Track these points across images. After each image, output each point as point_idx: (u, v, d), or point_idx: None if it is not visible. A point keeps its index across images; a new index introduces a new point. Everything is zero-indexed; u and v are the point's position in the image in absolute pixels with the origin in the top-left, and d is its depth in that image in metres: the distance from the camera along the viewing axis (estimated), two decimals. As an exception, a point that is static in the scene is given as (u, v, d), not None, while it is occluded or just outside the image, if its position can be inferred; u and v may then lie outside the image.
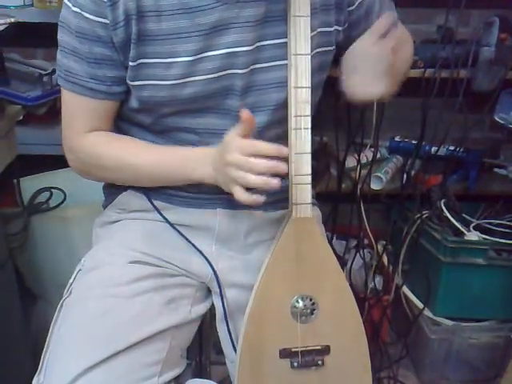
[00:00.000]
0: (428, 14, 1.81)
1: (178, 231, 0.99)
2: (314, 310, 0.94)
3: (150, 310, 0.91)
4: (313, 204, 0.98)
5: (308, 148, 0.90)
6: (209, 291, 1.04)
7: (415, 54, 1.59)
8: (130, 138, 0.99)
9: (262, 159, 0.81)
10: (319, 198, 1.21)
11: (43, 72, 1.59)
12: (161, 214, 1.00)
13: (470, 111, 1.64)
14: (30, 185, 1.49)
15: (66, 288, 0.98)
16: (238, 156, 0.82)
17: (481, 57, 1.54)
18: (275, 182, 0.81)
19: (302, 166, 0.90)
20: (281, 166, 0.82)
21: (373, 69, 0.87)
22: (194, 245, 0.99)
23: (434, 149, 1.66)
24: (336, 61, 0.99)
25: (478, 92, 1.54)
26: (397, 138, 1.84)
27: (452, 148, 1.68)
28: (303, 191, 0.91)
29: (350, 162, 1.77)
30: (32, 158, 1.54)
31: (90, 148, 0.96)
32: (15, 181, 1.46)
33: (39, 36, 1.58)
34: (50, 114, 1.65)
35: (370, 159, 1.75)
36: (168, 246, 0.99)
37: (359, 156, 1.72)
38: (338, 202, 1.76)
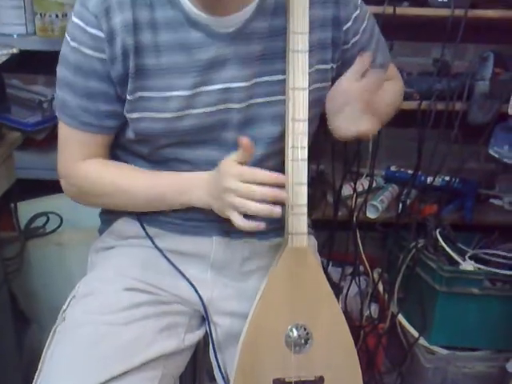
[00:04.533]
0: (424, 47, 1.84)
1: (167, 259, 1.00)
2: (308, 339, 0.94)
3: (143, 337, 0.91)
4: (308, 233, 0.98)
5: (304, 179, 0.92)
6: (203, 319, 1.04)
7: (411, 86, 1.63)
8: (124, 164, 1.00)
9: (262, 187, 0.82)
10: (315, 225, 1.22)
11: (43, 99, 1.62)
12: (152, 241, 1.01)
13: (466, 142, 1.66)
14: (27, 209, 1.50)
15: (60, 314, 0.98)
16: (236, 182, 0.83)
17: (476, 90, 1.56)
18: (278, 211, 0.82)
19: (299, 196, 0.91)
20: (282, 194, 0.83)
21: (352, 107, 0.91)
22: (181, 272, 0.99)
23: (429, 179, 1.67)
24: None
25: (473, 125, 1.57)
26: (393, 168, 1.86)
27: (447, 178, 1.70)
28: (299, 221, 0.92)
29: (346, 190, 1.78)
30: (30, 182, 1.55)
31: (84, 175, 0.97)
32: (12, 205, 1.46)
33: (40, 63, 1.60)
34: (49, 139, 1.67)
35: (366, 188, 1.76)
36: (162, 273, 1.00)
37: (355, 184, 1.73)
38: (334, 230, 1.77)
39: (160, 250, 1.00)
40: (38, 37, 1.60)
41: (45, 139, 1.69)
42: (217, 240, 1.01)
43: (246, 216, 0.85)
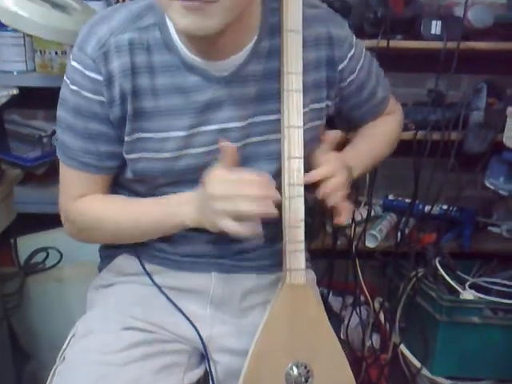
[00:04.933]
0: (419, 78, 1.87)
1: (167, 296, 1.00)
2: (309, 378, 0.93)
3: (142, 379, 0.91)
4: (307, 267, 0.99)
5: (301, 216, 0.92)
6: (202, 356, 1.04)
7: (407, 116, 1.64)
8: (115, 196, 1.00)
9: (250, 186, 0.80)
10: (315, 254, 1.22)
11: (43, 134, 1.64)
12: (151, 278, 1.01)
13: (463, 171, 1.67)
14: (27, 244, 1.50)
15: (60, 354, 0.98)
16: (222, 186, 0.82)
17: (471, 120, 1.59)
18: (271, 207, 0.80)
19: (296, 233, 0.92)
20: (271, 193, 0.81)
21: None
22: (181, 310, 0.99)
23: (427, 207, 1.68)
24: (329, 122, 1.03)
25: (469, 154, 1.58)
26: (390, 197, 1.87)
27: (445, 207, 1.71)
28: (297, 258, 0.93)
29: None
30: (30, 216, 1.56)
31: (82, 212, 0.97)
32: (12, 240, 1.47)
33: (40, 98, 1.63)
34: (49, 173, 1.68)
35: (364, 217, 1.77)
36: (161, 310, 1.00)
37: (354, 214, 1.74)
38: (334, 259, 1.77)
39: (159, 287, 1.00)
40: (37, 73, 1.63)
41: (44, 173, 1.70)
42: (216, 276, 1.02)
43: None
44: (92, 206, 0.97)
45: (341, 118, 1.06)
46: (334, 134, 0.95)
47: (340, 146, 1.02)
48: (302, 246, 0.93)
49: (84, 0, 1.55)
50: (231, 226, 0.81)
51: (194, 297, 1.01)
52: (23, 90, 1.41)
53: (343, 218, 0.94)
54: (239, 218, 0.81)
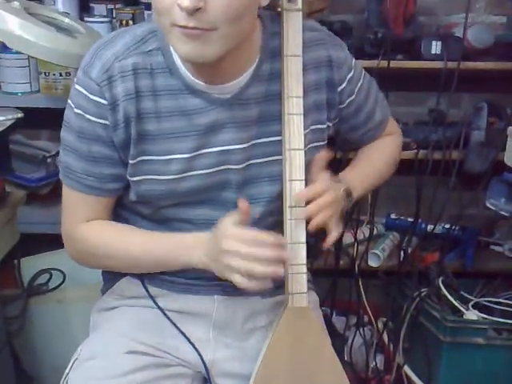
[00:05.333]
0: (420, 97, 1.87)
1: (170, 320, 1.00)
2: (311, 402, 0.93)
3: (145, 403, 0.91)
4: (309, 288, 0.99)
5: (303, 238, 0.93)
6: (205, 380, 1.03)
7: (408, 135, 1.65)
8: (123, 225, 1.00)
9: (263, 248, 0.83)
10: (317, 274, 1.22)
11: (47, 154, 1.65)
12: (154, 302, 1.01)
13: (464, 189, 1.68)
14: (30, 265, 1.50)
15: (63, 377, 0.98)
16: (235, 244, 0.84)
17: (472, 139, 1.59)
18: (281, 271, 0.83)
19: (298, 256, 0.93)
20: (284, 255, 0.85)
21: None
22: (184, 334, 0.99)
23: (430, 227, 1.68)
24: (330, 142, 1.04)
25: (471, 173, 1.59)
26: (393, 215, 1.87)
27: (448, 226, 1.71)
28: (299, 281, 0.93)
29: (347, 238, 1.78)
30: (34, 236, 1.56)
31: (85, 237, 0.98)
32: (16, 261, 1.47)
33: (44, 118, 1.64)
34: (53, 193, 1.69)
35: (366, 235, 1.77)
36: (164, 334, 1.00)
37: (356, 233, 1.74)
38: (337, 278, 1.77)
39: (162, 311, 1.00)
40: (42, 94, 1.64)
41: (48, 193, 1.71)
42: (218, 299, 1.02)
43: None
44: (98, 234, 0.97)
45: (339, 140, 1.06)
46: (323, 154, 0.95)
47: (337, 166, 1.02)
48: (304, 268, 0.93)
49: (88, 23, 1.57)
50: (241, 282, 0.84)
51: (197, 320, 1.01)
52: (28, 110, 1.43)
53: (328, 241, 0.94)
54: (250, 276, 0.84)
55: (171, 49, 0.89)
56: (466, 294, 1.66)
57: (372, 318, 1.76)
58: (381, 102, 1.10)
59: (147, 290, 1.02)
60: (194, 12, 0.77)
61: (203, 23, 0.78)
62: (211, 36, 0.79)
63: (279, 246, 0.85)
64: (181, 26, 0.79)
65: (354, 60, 1.02)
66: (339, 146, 1.18)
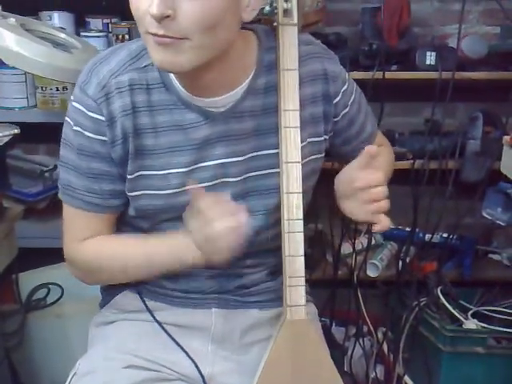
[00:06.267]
0: (415, 107, 1.89)
1: (168, 334, 0.99)
2: (311, 415, 0.93)
3: (144, 418, 0.90)
4: (307, 300, 0.99)
5: (301, 250, 0.93)
6: (205, 394, 1.03)
7: (404, 145, 1.67)
8: (118, 236, 1.00)
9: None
10: (316, 284, 1.22)
11: (45, 168, 1.65)
12: (152, 316, 1.01)
13: (461, 198, 1.68)
14: (28, 280, 1.50)
15: (61, 393, 0.97)
16: (194, 220, 0.86)
17: (467, 149, 1.60)
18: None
19: (296, 268, 0.93)
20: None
21: (360, 197, 0.91)
22: (182, 348, 0.98)
23: (427, 236, 1.68)
24: (327, 153, 1.04)
25: (467, 183, 1.59)
26: (390, 225, 1.87)
27: (445, 235, 1.71)
28: (297, 293, 0.93)
29: (346, 248, 1.79)
30: (32, 250, 1.56)
31: (88, 254, 0.98)
32: (14, 276, 1.47)
33: (42, 133, 1.64)
34: (51, 207, 1.69)
35: (365, 245, 1.77)
36: (162, 348, 0.99)
37: (354, 243, 1.74)
38: (335, 288, 1.77)
39: (160, 324, 1.00)
40: (39, 109, 1.64)
41: (46, 208, 1.71)
42: (216, 312, 1.02)
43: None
44: (98, 249, 0.98)
45: (333, 153, 1.06)
46: (375, 149, 0.91)
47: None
48: (302, 280, 0.93)
49: (85, 38, 1.58)
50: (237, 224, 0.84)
51: (195, 333, 1.01)
52: (25, 125, 1.43)
53: (384, 224, 0.92)
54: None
55: None
56: (464, 303, 1.66)
57: (371, 328, 1.76)
58: (370, 114, 1.11)
59: (145, 304, 1.02)
60: (162, 20, 0.78)
61: (173, 32, 0.79)
62: (182, 45, 0.80)
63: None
64: (153, 34, 0.80)
65: (346, 73, 1.03)
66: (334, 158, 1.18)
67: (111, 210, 0.97)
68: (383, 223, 0.92)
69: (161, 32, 0.79)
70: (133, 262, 0.97)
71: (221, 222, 0.83)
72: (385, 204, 0.90)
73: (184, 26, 0.79)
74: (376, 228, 0.92)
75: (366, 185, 0.89)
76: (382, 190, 0.90)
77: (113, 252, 0.98)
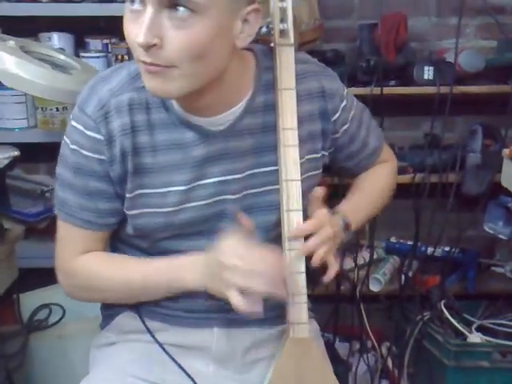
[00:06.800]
0: (414, 121, 1.89)
1: (169, 355, 0.98)
2: (315, 434, 0.92)
3: None
4: (310, 317, 0.98)
5: (303, 268, 0.93)
6: (207, 415, 1.02)
7: (404, 160, 1.67)
8: (119, 255, 1.01)
9: (264, 264, 0.83)
10: (319, 299, 1.21)
11: (45, 188, 1.65)
12: (153, 337, 1.00)
13: (463, 211, 1.68)
14: (29, 300, 1.49)
15: (63, 416, 0.97)
16: (237, 259, 0.84)
17: (468, 162, 1.60)
18: (281, 289, 0.83)
19: (298, 286, 0.92)
20: (282, 272, 0.85)
21: None
22: (183, 369, 0.97)
23: (430, 249, 1.68)
24: (326, 168, 1.05)
25: (468, 196, 1.59)
26: (392, 239, 1.87)
27: (447, 249, 1.71)
28: (300, 311, 0.93)
29: (348, 263, 1.78)
30: (33, 270, 1.55)
31: (83, 270, 0.98)
32: (15, 296, 1.46)
33: (42, 153, 1.65)
34: (52, 227, 1.68)
35: (367, 260, 1.77)
36: (163, 369, 0.98)
37: (356, 257, 1.74)
38: (338, 304, 1.76)
39: (161, 346, 0.99)
40: (39, 130, 1.65)
41: (47, 227, 1.71)
42: (218, 331, 1.01)
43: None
44: (94, 266, 0.97)
45: (335, 169, 1.07)
46: (319, 191, 0.95)
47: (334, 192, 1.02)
48: (305, 298, 0.93)
49: (84, 58, 1.59)
50: (235, 300, 0.83)
51: (197, 353, 1.00)
52: (25, 145, 1.43)
53: (329, 275, 0.94)
54: (246, 292, 0.83)
55: None
56: (468, 317, 1.65)
57: (375, 343, 1.75)
58: (374, 130, 1.11)
59: (145, 325, 1.01)
60: (149, 48, 0.78)
61: (160, 60, 0.80)
62: (171, 73, 0.81)
63: (279, 263, 0.85)
64: (142, 62, 0.81)
65: (345, 90, 1.03)
66: (335, 174, 1.19)
67: (107, 228, 0.97)
68: (329, 270, 0.94)
69: (149, 60, 0.80)
70: (131, 283, 0.97)
71: (259, 283, 0.82)
72: (319, 253, 0.92)
73: (171, 54, 0.79)
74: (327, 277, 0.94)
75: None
76: (313, 240, 0.92)
77: (110, 271, 0.97)
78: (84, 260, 0.97)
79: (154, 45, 0.78)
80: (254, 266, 0.83)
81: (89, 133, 0.90)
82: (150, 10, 0.77)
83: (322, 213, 0.94)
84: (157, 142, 0.91)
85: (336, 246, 0.95)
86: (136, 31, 0.79)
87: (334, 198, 1.04)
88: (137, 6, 0.79)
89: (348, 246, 1.72)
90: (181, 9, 0.77)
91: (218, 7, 0.79)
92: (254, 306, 0.83)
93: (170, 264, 0.95)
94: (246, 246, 0.85)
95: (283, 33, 0.94)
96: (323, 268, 0.94)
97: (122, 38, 1.64)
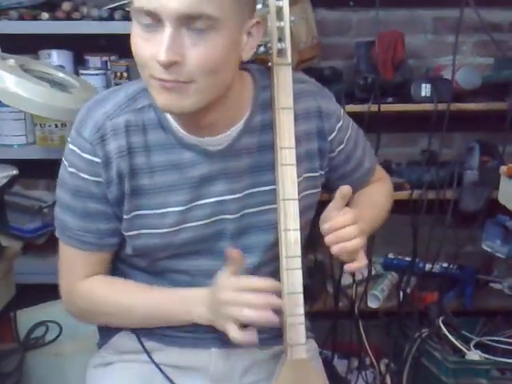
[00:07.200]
0: (411, 137, 1.90)
1: (166, 376, 0.98)
2: None
3: None
4: (308, 337, 0.98)
5: (300, 288, 0.93)
6: None
7: (401, 176, 1.67)
8: (125, 281, 1.01)
9: (257, 294, 0.84)
10: (317, 316, 1.21)
11: (43, 204, 1.65)
12: (150, 357, 1.00)
13: (461, 227, 1.68)
14: (26, 317, 1.49)
15: None
16: (231, 293, 0.85)
17: (465, 179, 1.61)
18: (275, 319, 0.84)
19: (295, 306, 0.92)
20: (277, 301, 0.85)
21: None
22: None
23: (428, 266, 1.68)
24: (324, 187, 1.05)
25: (466, 213, 1.60)
26: (390, 255, 1.87)
27: (445, 265, 1.71)
28: (297, 332, 0.92)
29: (346, 279, 1.78)
30: (30, 287, 1.55)
31: (86, 294, 0.98)
32: (12, 314, 1.46)
33: (41, 168, 1.65)
34: (50, 243, 1.68)
35: (365, 276, 1.77)
36: None
37: (354, 274, 1.73)
38: (337, 320, 1.76)
39: (157, 366, 0.99)
40: (38, 146, 1.65)
41: (45, 243, 1.70)
42: (215, 352, 1.00)
43: (244, 327, 0.86)
44: (100, 291, 0.98)
45: (330, 188, 1.07)
46: (347, 189, 0.92)
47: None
48: (302, 319, 0.92)
49: (83, 75, 1.60)
50: (233, 332, 0.86)
51: (194, 374, 1.00)
52: (24, 161, 1.44)
53: (357, 264, 0.91)
54: (242, 323, 0.85)
55: None
56: (467, 333, 1.65)
57: (374, 360, 1.74)
58: (368, 150, 1.12)
59: (143, 345, 1.01)
60: (169, 66, 0.79)
61: (180, 76, 0.80)
62: (188, 88, 0.81)
63: (275, 292, 0.86)
64: (158, 79, 0.81)
65: (342, 110, 1.04)
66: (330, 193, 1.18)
67: (108, 249, 0.97)
68: (357, 262, 0.91)
69: (168, 77, 0.80)
70: (135, 311, 0.97)
71: (250, 312, 0.84)
72: (354, 243, 0.89)
73: (191, 70, 0.80)
74: (351, 266, 0.92)
75: (330, 227, 0.89)
76: (350, 231, 0.89)
77: (115, 298, 0.98)
78: (89, 285, 0.97)
79: (175, 62, 0.79)
80: (244, 297, 0.85)
81: (85, 155, 0.90)
82: (169, 29, 0.78)
83: (352, 210, 0.92)
84: (154, 163, 0.92)
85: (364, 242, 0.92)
86: (151, 49, 0.79)
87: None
88: (150, 22, 0.79)
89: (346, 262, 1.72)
90: (199, 25, 0.78)
91: (229, 21, 0.80)
92: (250, 336, 0.85)
93: (175, 297, 0.96)
94: (238, 279, 0.86)
95: (281, 52, 0.94)
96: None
97: (122, 55, 1.69)
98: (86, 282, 0.97)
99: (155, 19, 0.79)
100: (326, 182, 1.06)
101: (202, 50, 0.79)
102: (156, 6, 0.77)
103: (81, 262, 0.97)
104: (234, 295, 0.85)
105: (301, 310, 0.92)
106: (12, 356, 1.39)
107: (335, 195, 0.92)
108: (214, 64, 0.81)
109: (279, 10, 0.94)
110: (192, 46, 0.79)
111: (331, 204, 0.92)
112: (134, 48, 0.83)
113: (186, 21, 0.78)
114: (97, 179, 0.91)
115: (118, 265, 1.03)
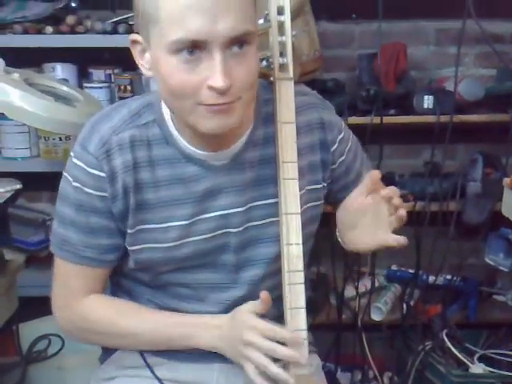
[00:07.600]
0: (414, 149, 1.90)
1: None
2: None
3: None
4: (311, 352, 0.98)
5: (303, 303, 0.92)
6: None
7: (404, 187, 1.67)
8: (127, 302, 1.00)
9: (282, 347, 0.86)
10: (320, 329, 1.20)
11: (47, 217, 1.66)
12: (152, 372, 0.99)
13: (464, 239, 1.68)
14: (29, 331, 1.49)
15: None
16: (258, 337, 0.87)
17: (468, 191, 1.61)
18: (284, 375, 0.86)
19: (298, 321, 0.91)
20: (301, 359, 0.88)
21: (370, 222, 0.91)
22: None
23: (431, 278, 1.68)
24: (325, 199, 1.04)
25: (469, 225, 1.59)
26: (393, 267, 1.86)
27: (449, 277, 1.70)
28: (300, 348, 0.91)
29: (349, 291, 1.77)
30: (33, 299, 1.55)
31: (85, 313, 0.97)
32: (14, 327, 1.45)
33: (45, 181, 1.65)
34: (52, 256, 1.68)
35: (368, 288, 1.76)
36: None
37: (357, 287, 1.73)
38: (340, 333, 1.75)
39: (160, 381, 0.99)
40: (42, 159, 1.66)
41: (48, 256, 1.70)
42: (218, 367, 1.00)
43: None
44: (101, 311, 0.98)
45: (330, 200, 1.07)
46: (377, 173, 0.91)
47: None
48: (305, 334, 0.92)
49: (87, 88, 1.61)
50: (252, 374, 0.87)
51: (197, 390, 1.00)
52: (28, 174, 1.44)
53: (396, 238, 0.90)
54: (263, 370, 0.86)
55: (167, 120, 0.91)
56: (470, 346, 1.64)
57: (377, 373, 1.73)
58: (366, 162, 1.12)
59: (145, 360, 1.01)
60: (225, 91, 0.80)
61: (231, 96, 0.81)
62: (236, 105, 0.83)
63: (296, 343, 0.88)
64: (209, 105, 0.81)
65: (342, 122, 1.04)
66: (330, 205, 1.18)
67: (106, 265, 0.97)
68: (400, 237, 0.90)
69: (221, 101, 0.81)
70: (138, 333, 0.97)
71: (276, 369, 0.85)
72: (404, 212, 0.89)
73: (239, 87, 0.81)
74: (397, 239, 0.90)
75: (387, 194, 0.88)
76: (400, 200, 0.89)
77: (118, 320, 0.97)
78: (88, 302, 0.97)
79: (232, 85, 0.80)
80: (274, 346, 0.86)
81: (91, 170, 0.90)
82: (219, 56, 0.79)
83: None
84: (159, 177, 0.92)
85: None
86: (198, 78, 0.80)
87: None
88: (190, 51, 0.79)
89: (349, 274, 1.72)
90: (241, 43, 0.80)
91: (255, 34, 0.83)
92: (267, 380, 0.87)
93: (183, 323, 0.96)
94: (267, 326, 0.87)
95: (283, 67, 0.95)
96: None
97: (125, 68, 1.70)
98: (85, 299, 0.97)
99: (199, 47, 0.79)
100: (327, 194, 1.06)
101: (246, 66, 0.81)
102: (203, 34, 0.77)
103: (78, 278, 0.96)
104: (260, 341, 0.86)
105: (303, 325, 0.91)
106: (14, 369, 1.39)
107: (364, 181, 0.91)
108: (254, 77, 0.84)
109: (281, 25, 0.94)
110: (236, 64, 0.80)
111: (357, 189, 0.93)
112: (170, 81, 0.81)
113: (233, 42, 0.79)
114: (101, 194, 0.91)
115: (121, 279, 1.03)
